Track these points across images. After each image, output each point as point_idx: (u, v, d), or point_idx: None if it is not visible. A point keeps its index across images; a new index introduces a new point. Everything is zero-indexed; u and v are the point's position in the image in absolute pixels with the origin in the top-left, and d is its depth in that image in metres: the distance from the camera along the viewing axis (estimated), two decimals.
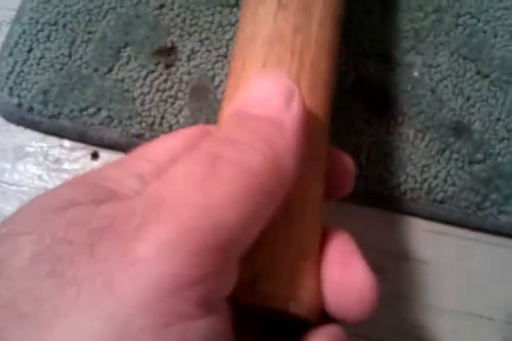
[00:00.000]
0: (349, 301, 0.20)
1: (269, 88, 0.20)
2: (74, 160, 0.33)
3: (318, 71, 0.23)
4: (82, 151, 0.33)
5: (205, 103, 0.33)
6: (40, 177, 0.32)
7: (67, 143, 0.33)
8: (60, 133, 0.32)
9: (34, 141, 0.33)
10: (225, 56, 0.34)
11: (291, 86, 0.20)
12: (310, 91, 0.22)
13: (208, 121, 0.32)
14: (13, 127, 0.33)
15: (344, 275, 0.20)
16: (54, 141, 0.33)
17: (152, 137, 0.32)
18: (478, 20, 0.36)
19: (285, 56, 0.22)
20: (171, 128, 0.32)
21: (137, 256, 0.14)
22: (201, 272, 0.14)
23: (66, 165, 0.32)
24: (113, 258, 0.14)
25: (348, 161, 0.24)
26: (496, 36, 0.36)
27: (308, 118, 0.20)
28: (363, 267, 0.20)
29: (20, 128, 0.33)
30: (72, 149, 0.33)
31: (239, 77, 0.23)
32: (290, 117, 0.19)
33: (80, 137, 0.32)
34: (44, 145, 0.33)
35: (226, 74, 0.33)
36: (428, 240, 0.33)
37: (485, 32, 0.36)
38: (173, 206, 0.15)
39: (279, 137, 0.18)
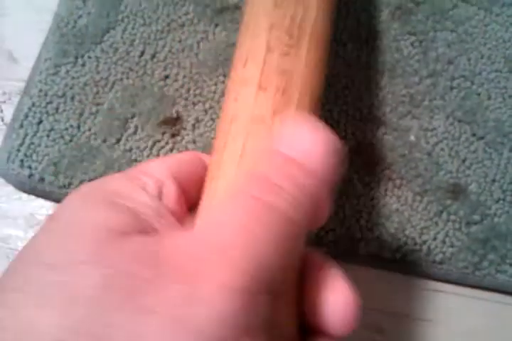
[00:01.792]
0: (334, 318, 0.20)
1: (315, 134, 0.19)
2: None
3: None
4: None
5: None
6: None
7: None
8: None
9: (45, 208, 0.34)
10: None
11: (335, 139, 0.19)
12: None
13: None
14: (24, 196, 0.34)
15: (329, 296, 0.21)
16: None
17: None
18: (472, 83, 0.38)
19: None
20: None
21: (202, 295, 0.15)
22: (257, 313, 0.16)
23: None
24: (178, 296, 0.15)
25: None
26: (489, 98, 0.38)
27: None
28: (345, 286, 0.21)
29: (32, 197, 0.34)
30: None
31: (221, 156, 0.24)
32: (327, 170, 0.19)
33: None
34: None
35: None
36: (428, 299, 0.34)
37: (479, 94, 0.38)
38: (225, 250, 0.16)
39: (318, 190, 0.19)
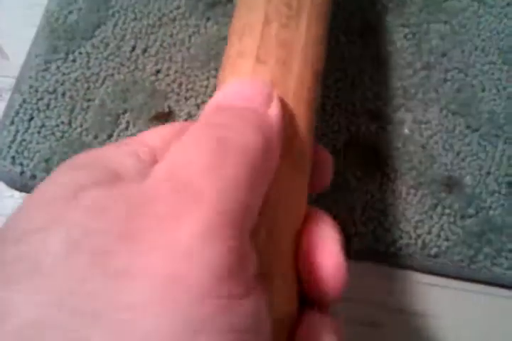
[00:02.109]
0: (324, 281, 0.20)
1: (249, 86, 0.21)
2: None
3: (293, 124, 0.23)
4: None
5: None
6: None
7: None
8: None
9: None
10: None
11: (270, 89, 0.20)
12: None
13: None
14: (17, 194, 0.34)
15: (320, 259, 0.21)
16: None
17: None
18: (466, 75, 0.38)
19: None
20: None
21: (182, 245, 0.14)
22: (241, 254, 0.15)
23: None
24: (159, 246, 0.14)
25: (327, 156, 0.25)
26: (483, 90, 0.37)
27: (292, 132, 0.22)
28: (334, 249, 0.21)
29: (24, 195, 0.34)
30: None
31: None
32: (271, 113, 0.20)
33: None
34: None
35: None
36: (424, 293, 0.34)
37: (473, 86, 0.37)
38: (200, 192, 0.15)
39: (265, 123, 0.19)
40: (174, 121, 0.35)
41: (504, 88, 0.37)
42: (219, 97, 0.20)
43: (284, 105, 0.21)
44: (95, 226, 0.14)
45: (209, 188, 0.15)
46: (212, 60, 0.37)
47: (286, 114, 0.21)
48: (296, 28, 0.24)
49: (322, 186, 0.26)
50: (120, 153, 0.19)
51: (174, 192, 0.15)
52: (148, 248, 0.14)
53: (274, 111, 0.20)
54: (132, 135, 0.34)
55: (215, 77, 0.36)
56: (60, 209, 0.15)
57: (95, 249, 0.14)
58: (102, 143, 0.33)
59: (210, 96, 0.35)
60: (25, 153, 0.33)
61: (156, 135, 0.21)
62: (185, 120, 0.35)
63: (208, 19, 0.38)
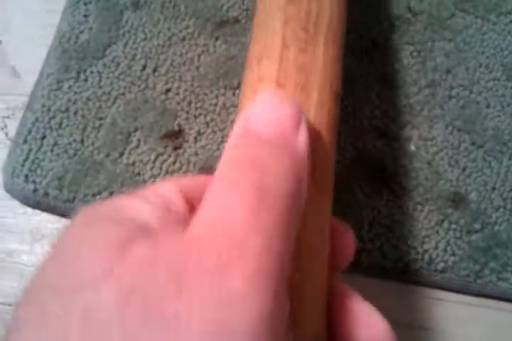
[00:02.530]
0: None
1: (278, 107, 0.20)
2: None
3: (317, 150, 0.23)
4: None
5: None
6: None
7: None
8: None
9: (50, 223, 0.35)
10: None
11: (298, 110, 0.20)
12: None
13: None
14: (29, 210, 0.35)
15: (369, 331, 0.21)
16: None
17: None
18: (471, 92, 0.38)
19: None
20: None
21: (231, 292, 0.14)
22: (282, 301, 0.15)
23: None
24: (205, 294, 0.14)
25: (349, 233, 0.26)
26: (488, 107, 0.38)
27: (316, 153, 0.21)
28: (379, 318, 0.21)
29: (37, 211, 0.35)
30: None
31: None
32: (301, 140, 0.19)
33: None
34: (60, 226, 0.34)
35: None
36: (431, 308, 0.35)
37: (478, 103, 0.38)
38: (244, 243, 0.15)
39: (297, 157, 0.19)
40: (184, 139, 0.35)
41: (508, 104, 0.38)
42: (247, 118, 0.20)
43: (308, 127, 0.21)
44: (146, 278, 0.15)
45: (252, 240, 0.15)
46: (221, 78, 0.37)
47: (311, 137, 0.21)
48: (313, 52, 0.24)
49: (346, 261, 0.26)
50: (136, 202, 0.19)
51: (219, 244, 0.15)
52: (197, 296, 0.14)
53: (303, 136, 0.19)
54: (143, 153, 0.35)
55: (224, 95, 0.37)
56: (110, 263, 0.15)
57: (147, 298, 0.14)
58: (114, 161, 0.34)
59: (219, 114, 0.36)
60: (38, 171, 0.34)
61: (170, 185, 0.21)
62: (195, 137, 0.35)
63: (217, 39, 0.39)
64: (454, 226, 0.35)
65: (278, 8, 0.25)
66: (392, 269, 0.34)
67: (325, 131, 0.23)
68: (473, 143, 0.37)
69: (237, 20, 0.39)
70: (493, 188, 0.36)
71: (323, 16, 0.25)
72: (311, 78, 0.24)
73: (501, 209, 0.35)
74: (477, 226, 0.35)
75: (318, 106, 0.24)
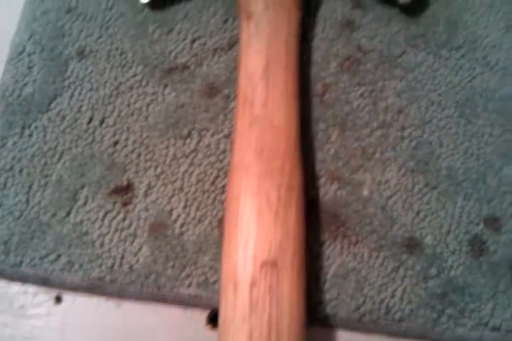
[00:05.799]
0: None
1: None
2: (38, 304, 0.33)
3: None
4: (46, 295, 0.33)
5: (163, 240, 0.34)
6: (6, 324, 0.33)
7: (30, 288, 0.33)
8: (23, 280, 0.33)
9: None
10: (181, 189, 0.35)
11: None
12: None
13: (167, 259, 0.33)
14: None
15: None
16: (18, 286, 0.33)
17: (112, 279, 0.32)
18: (423, 131, 0.38)
19: None
20: (131, 269, 0.33)
21: None
22: None
23: (31, 311, 0.33)
24: None
25: None
26: (441, 146, 0.38)
27: None
28: None
29: None
30: (35, 294, 0.33)
31: None
32: None
33: (43, 283, 0.33)
34: (8, 291, 0.34)
35: (183, 208, 0.35)
36: None
37: (430, 143, 0.38)
38: None
39: None
40: (134, 194, 0.35)
41: (461, 143, 0.38)
42: None
43: None
44: None
45: None
46: (170, 128, 0.37)
47: None
48: None
49: None
50: None
51: None
52: None
53: None
54: (91, 211, 0.34)
55: (174, 145, 0.36)
56: None
57: None
58: (61, 221, 0.33)
59: (170, 165, 0.35)
60: None
61: None
62: (145, 191, 0.35)
63: (166, 86, 0.38)
64: (410, 272, 0.34)
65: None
66: (349, 319, 0.33)
67: None
68: (427, 185, 0.36)
69: (185, 67, 0.39)
70: (448, 231, 0.36)
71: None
72: None
73: (457, 253, 0.35)
74: (433, 271, 0.34)
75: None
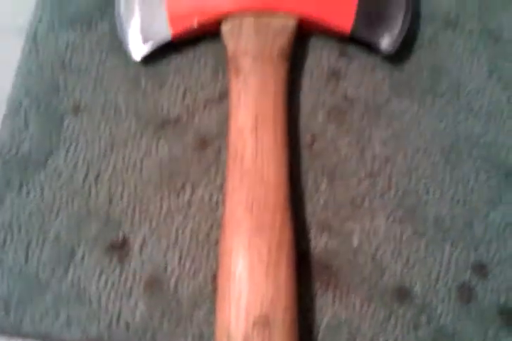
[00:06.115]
0: None
1: None
2: None
3: None
4: None
5: (159, 295, 0.34)
6: None
7: None
8: (23, 337, 0.34)
9: None
10: (176, 243, 0.36)
11: None
12: None
13: (163, 315, 0.34)
14: None
15: None
16: None
17: (110, 338, 0.33)
18: (410, 180, 0.39)
19: None
20: (128, 326, 0.34)
21: None
22: None
23: None
24: None
25: None
26: (428, 193, 0.39)
27: None
28: None
29: None
30: None
31: None
32: None
33: (43, 340, 0.34)
34: None
35: (178, 262, 0.36)
36: None
37: (417, 191, 0.39)
38: None
39: None
40: (129, 248, 0.36)
41: (448, 189, 0.39)
42: None
43: None
44: None
45: None
46: (164, 181, 0.38)
47: None
48: None
49: None
50: None
51: None
52: None
53: None
54: (88, 267, 0.35)
55: (169, 197, 0.37)
56: None
57: None
58: (59, 279, 0.34)
59: (165, 218, 0.36)
60: None
61: None
62: (141, 246, 0.36)
63: (159, 139, 0.39)
64: (400, 321, 0.35)
65: None
66: None
67: None
68: (414, 233, 0.38)
69: (178, 120, 0.40)
70: (437, 278, 0.36)
71: None
72: None
73: (446, 300, 0.36)
74: (423, 319, 0.35)
75: None
